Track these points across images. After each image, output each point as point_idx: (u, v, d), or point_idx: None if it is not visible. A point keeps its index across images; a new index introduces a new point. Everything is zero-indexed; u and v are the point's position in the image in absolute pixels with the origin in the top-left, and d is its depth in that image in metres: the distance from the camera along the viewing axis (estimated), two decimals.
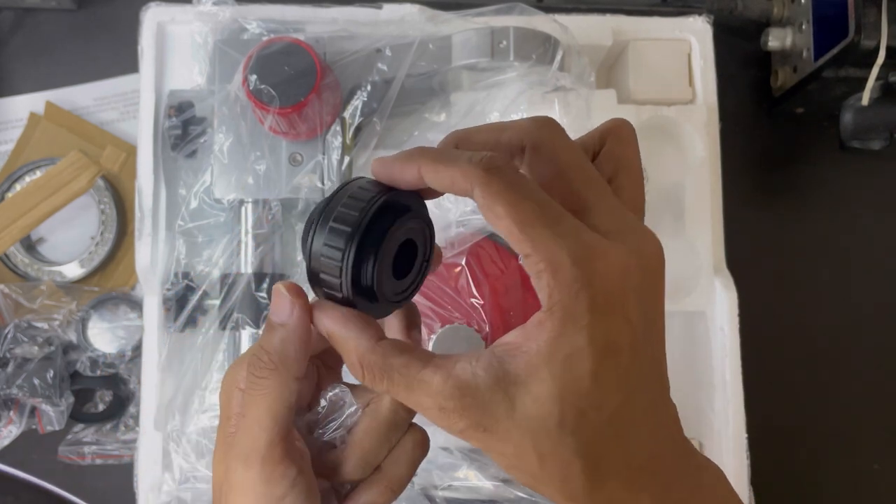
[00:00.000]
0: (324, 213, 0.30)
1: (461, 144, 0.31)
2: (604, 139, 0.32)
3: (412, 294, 0.33)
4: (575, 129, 0.59)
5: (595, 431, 0.27)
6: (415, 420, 0.33)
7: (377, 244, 0.30)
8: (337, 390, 0.33)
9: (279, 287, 0.31)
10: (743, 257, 0.68)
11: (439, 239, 0.53)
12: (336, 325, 0.30)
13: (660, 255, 0.29)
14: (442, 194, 0.31)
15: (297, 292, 0.31)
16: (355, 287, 0.30)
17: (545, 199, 0.27)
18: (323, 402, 0.33)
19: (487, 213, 0.27)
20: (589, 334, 0.26)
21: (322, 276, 0.30)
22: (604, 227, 0.28)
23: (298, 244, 0.63)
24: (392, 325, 0.34)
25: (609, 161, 0.31)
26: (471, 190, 0.28)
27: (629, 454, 0.27)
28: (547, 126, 0.30)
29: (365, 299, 0.31)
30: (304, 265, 0.31)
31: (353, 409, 0.32)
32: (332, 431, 0.33)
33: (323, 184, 0.60)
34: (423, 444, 0.33)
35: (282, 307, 0.31)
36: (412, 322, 0.35)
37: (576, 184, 0.29)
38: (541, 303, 0.27)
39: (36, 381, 0.66)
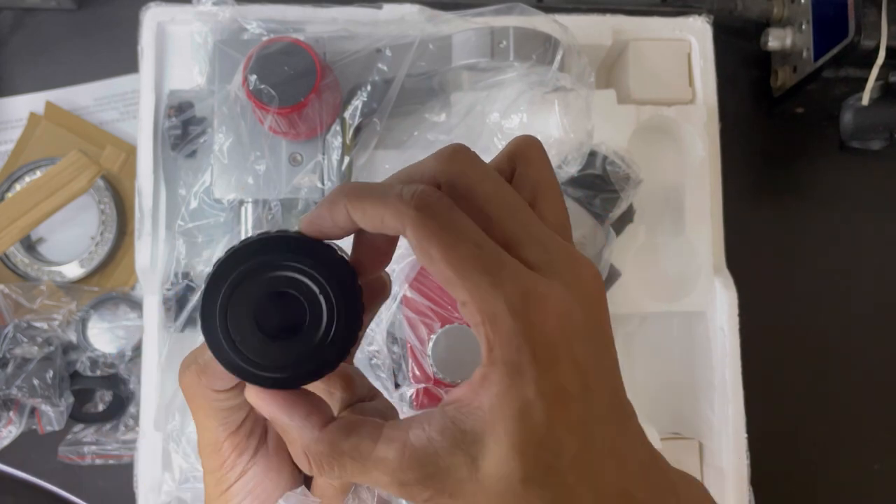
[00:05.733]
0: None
1: None
2: (513, 162, 0.30)
3: (309, 369, 0.28)
4: (575, 129, 0.59)
5: (561, 479, 0.26)
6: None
7: (231, 289, 0.26)
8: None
9: None
10: (743, 257, 0.68)
11: None
12: (278, 411, 0.28)
13: (597, 279, 0.28)
14: (391, 252, 0.29)
15: None
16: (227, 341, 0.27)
17: (482, 239, 0.26)
18: None
19: (421, 254, 0.26)
20: (537, 386, 0.25)
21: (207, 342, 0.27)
22: (535, 262, 0.26)
23: None
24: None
25: (524, 186, 0.29)
26: (402, 229, 0.26)
27: (600, 493, 0.26)
28: (456, 158, 0.28)
29: (252, 366, 0.27)
30: None
31: None
32: None
33: (323, 184, 0.60)
34: None
35: None
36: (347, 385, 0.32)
37: (499, 217, 0.27)
38: (482, 353, 0.26)
39: (35, 382, 0.66)
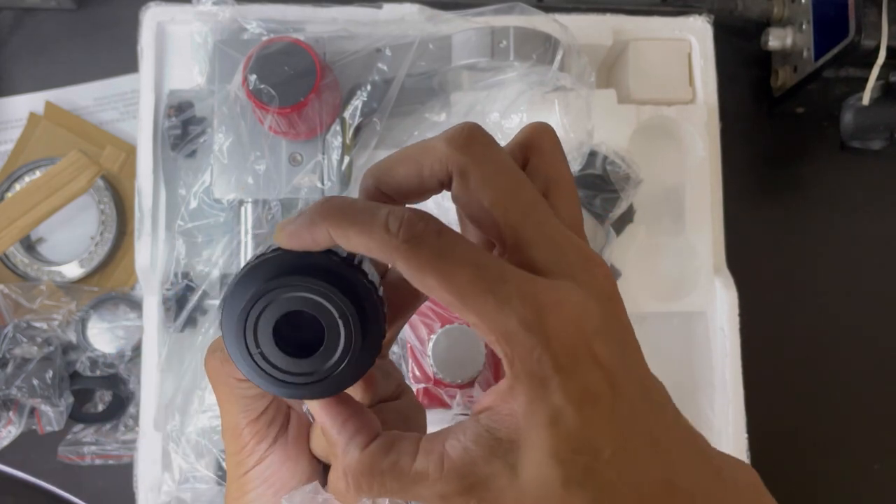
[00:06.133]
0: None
1: (380, 184, 0.28)
2: (526, 153, 0.29)
3: (322, 388, 0.28)
4: (575, 129, 0.59)
5: (602, 478, 0.25)
6: None
7: (251, 302, 0.26)
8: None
9: None
10: (743, 257, 0.68)
11: None
12: (330, 425, 0.28)
13: (610, 277, 0.27)
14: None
15: None
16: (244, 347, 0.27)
17: (480, 257, 0.25)
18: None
19: (417, 284, 0.25)
20: (564, 392, 0.25)
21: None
22: (547, 262, 0.26)
23: None
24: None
25: (537, 178, 0.28)
26: (392, 262, 0.25)
27: (643, 486, 0.26)
28: (470, 147, 0.27)
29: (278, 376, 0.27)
30: None
31: None
32: None
33: (323, 184, 0.60)
34: None
35: None
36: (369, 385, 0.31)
37: (512, 215, 0.26)
38: (504, 367, 0.26)
39: (35, 382, 0.66)
